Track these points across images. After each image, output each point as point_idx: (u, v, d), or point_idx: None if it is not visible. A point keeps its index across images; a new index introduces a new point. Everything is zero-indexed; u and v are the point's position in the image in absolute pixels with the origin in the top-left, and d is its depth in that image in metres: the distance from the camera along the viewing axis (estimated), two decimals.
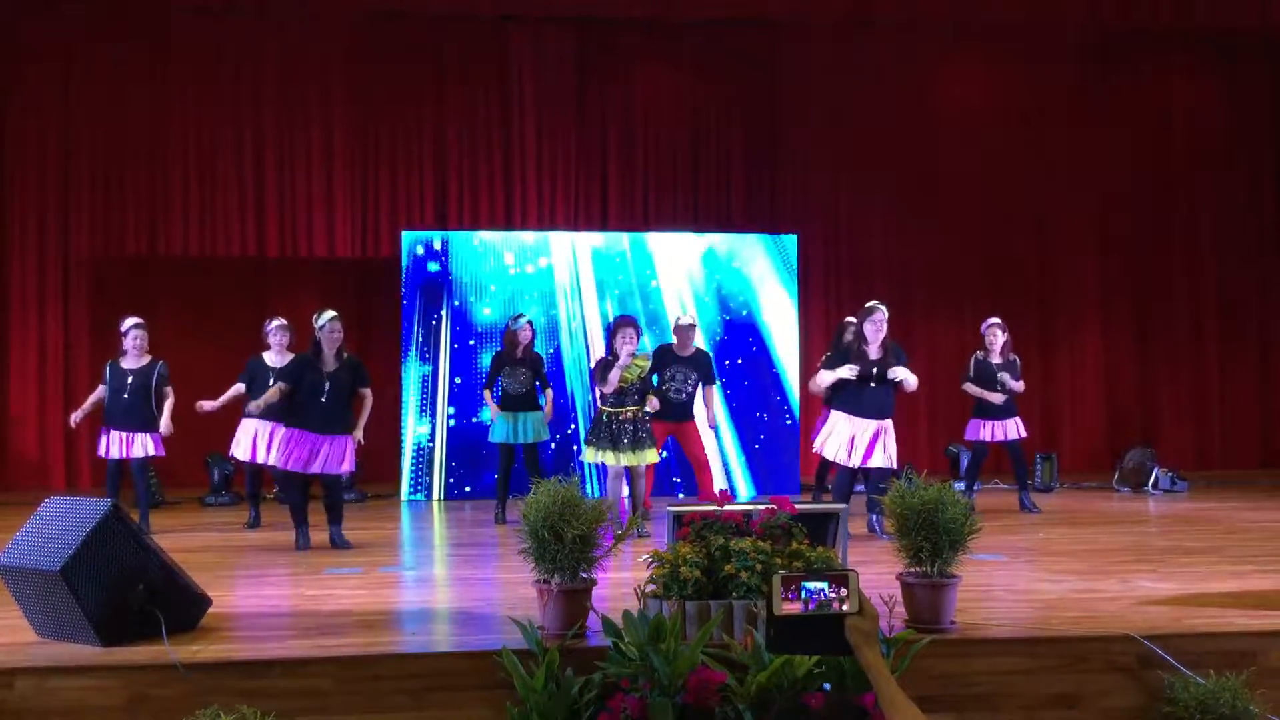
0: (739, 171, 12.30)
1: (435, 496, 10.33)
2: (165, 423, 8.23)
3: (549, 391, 8.72)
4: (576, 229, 11.49)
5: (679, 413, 8.32)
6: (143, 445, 8.21)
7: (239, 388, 8.42)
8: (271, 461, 7.84)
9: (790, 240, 10.97)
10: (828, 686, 4.04)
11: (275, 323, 8.63)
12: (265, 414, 8.01)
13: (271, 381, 7.85)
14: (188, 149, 11.67)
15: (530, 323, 8.85)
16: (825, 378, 7.67)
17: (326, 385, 7.24)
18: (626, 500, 7.77)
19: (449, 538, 8.31)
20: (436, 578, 6.45)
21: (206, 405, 8.35)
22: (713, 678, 4.00)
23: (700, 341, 8.93)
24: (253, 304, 11.50)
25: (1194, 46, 12.77)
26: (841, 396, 7.63)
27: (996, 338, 8.97)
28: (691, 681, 3.98)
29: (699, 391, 8.41)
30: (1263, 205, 13.02)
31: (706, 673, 4.02)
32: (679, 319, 8.69)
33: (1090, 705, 4.40)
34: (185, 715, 3.88)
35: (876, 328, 7.54)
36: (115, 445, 8.23)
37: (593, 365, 8.91)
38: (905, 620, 4.52)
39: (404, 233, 10.85)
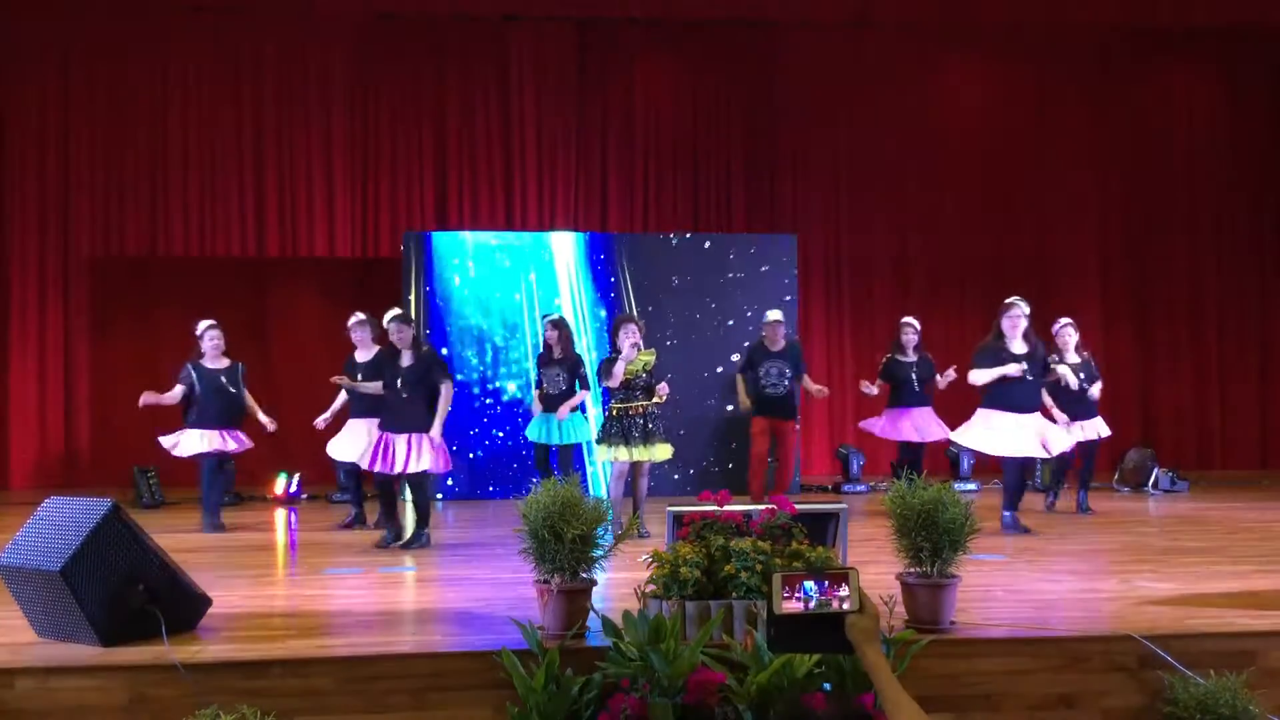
0: (739, 171, 12.31)
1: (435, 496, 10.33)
2: (266, 419, 8.38)
3: (583, 393, 8.59)
4: (576, 229, 11.49)
5: (778, 407, 8.76)
6: (236, 441, 8.33)
7: (344, 397, 8.35)
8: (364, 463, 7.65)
9: (790, 240, 10.98)
10: (828, 686, 4.04)
11: (355, 319, 8.49)
12: (369, 412, 7.92)
13: (360, 378, 7.91)
14: (188, 149, 11.68)
15: (553, 322, 8.78)
16: (981, 376, 7.66)
17: (399, 382, 7.23)
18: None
19: (449, 538, 8.31)
20: (436, 578, 6.45)
21: (320, 423, 8.40)
22: (713, 678, 4.00)
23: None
24: (253, 304, 11.53)
25: (1195, 46, 12.77)
26: (995, 393, 7.64)
27: (1070, 338, 8.85)
28: (691, 682, 3.98)
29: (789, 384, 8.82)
30: (1263, 205, 13.02)
31: (706, 673, 4.01)
32: (767, 315, 9.00)
33: (1090, 705, 4.40)
34: (185, 715, 3.88)
35: (1013, 323, 7.62)
36: (206, 442, 8.23)
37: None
38: (905, 620, 4.52)
39: (404, 233, 10.84)
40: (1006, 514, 7.69)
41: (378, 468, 7.25)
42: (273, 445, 11.04)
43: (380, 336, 8.19)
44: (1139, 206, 12.82)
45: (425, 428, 7.27)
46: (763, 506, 4.76)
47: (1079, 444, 8.71)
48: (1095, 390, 8.77)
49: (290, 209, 11.81)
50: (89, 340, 11.53)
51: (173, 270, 11.62)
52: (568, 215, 12.00)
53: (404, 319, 7.44)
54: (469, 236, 10.61)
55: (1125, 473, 10.78)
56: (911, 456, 9.31)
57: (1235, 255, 12.92)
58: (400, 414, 7.25)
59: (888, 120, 12.31)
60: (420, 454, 7.22)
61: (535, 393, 8.77)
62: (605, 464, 8.31)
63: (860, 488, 10.40)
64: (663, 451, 7.72)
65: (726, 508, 4.73)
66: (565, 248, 10.58)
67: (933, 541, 4.48)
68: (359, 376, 8.05)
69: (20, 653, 4.37)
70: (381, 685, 4.21)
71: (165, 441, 8.37)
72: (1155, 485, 10.41)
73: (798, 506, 4.80)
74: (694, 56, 12.23)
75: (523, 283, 10.47)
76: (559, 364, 8.55)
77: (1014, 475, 7.75)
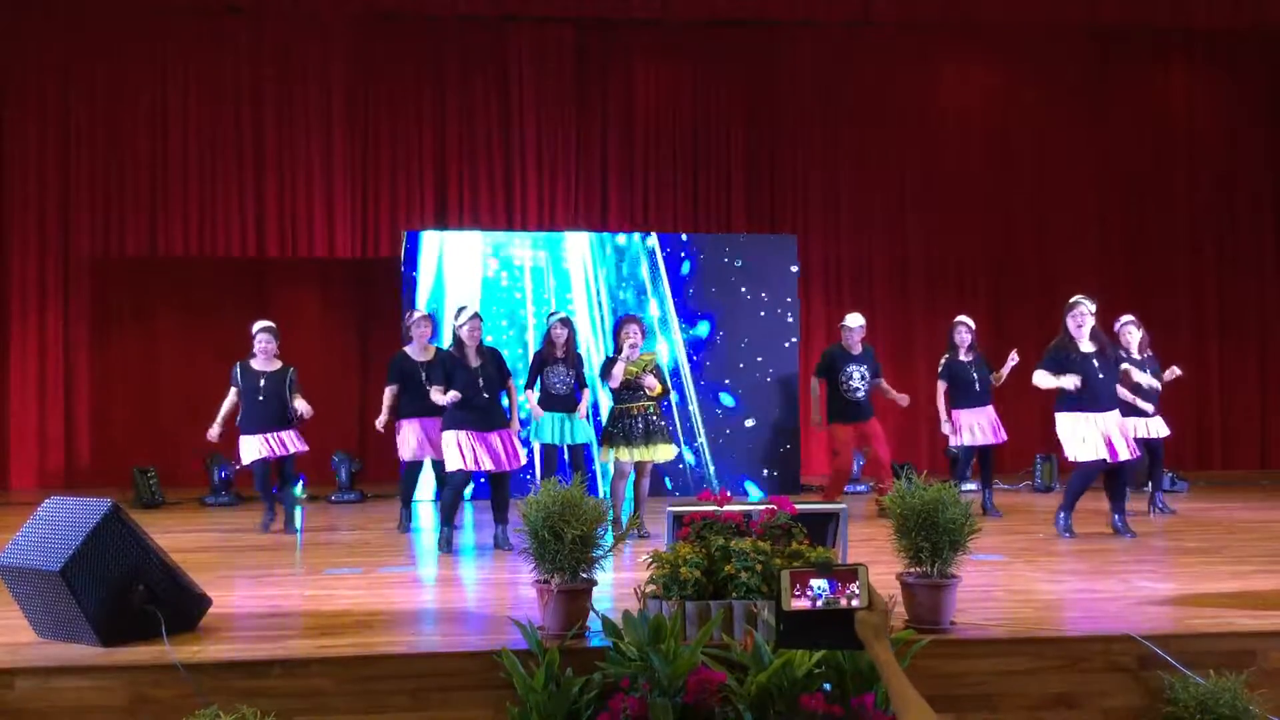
0: (739, 171, 12.30)
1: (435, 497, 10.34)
2: (304, 406, 8.12)
3: (585, 392, 8.53)
4: (576, 229, 11.48)
5: (860, 411, 8.78)
6: (291, 442, 8.17)
7: (393, 389, 8.15)
8: (452, 460, 7.30)
9: (790, 240, 10.97)
10: (828, 686, 4.04)
11: (416, 315, 8.41)
12: (426, 411, 7.86)
13: (424, 378, 7.72)
14: (188, 149, 11.67)
15: (563, 320, 8.69)
16: (1043, 381, 7.45)
17: (480, 381, 7.17)
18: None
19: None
20: (436, 578, 6.45)
21: (380, 423, 8.23)
22: (713, 678, 4.00)
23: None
24: (253, 304, 11.51)
25: (1194, 46, 12.77)
26: (1066, 396, 7.40)
27: (1132, 336, 8.77)
28: (691, 682, 3.98)
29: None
30: (1263, 205, 13.01)
31: (706, 673, 4.01)
32: (846, 319, 9.05)
33: (1090, 705, 4.40)
34: (185, 715, 3.88)
35: (1078, 321, 7.43)
36: (259, 447, 8.09)
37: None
38: (905, 620, 4.52)
39: (404, 232, 10.85)
40: (1058, 516, 7.55)
41: (486, 466, 7.09)
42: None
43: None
44: (1139, 206, 12.81)
45: (508, 424, 7.32)
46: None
47: (1139, 441, 8.43)
48: (1155, 383, 8.69)
49: (290, 209, 11.80)
50: (89, 340, 11.53)
51: (173, 271, 11.62)
52: (568, 215, 12.00)
53: (474, 314, 7.28)
54: (480, 236, 10.66)
55: None
56: (980, 458, 9.16)
57: (1235, 255, 12.91)
58: (488, 413, 7.17)
59: (888, 120, 12.30)
60: (515, 451, 7.23)
61: (530, 394, 8.50)
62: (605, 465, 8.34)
63: (860, 488, 10.39)
64: (665, 452, 7.70)
65: (727, 508, 4.73)
66: (563, 247, 10.58)
67: (933, 541, 4.48)
68: (424, 375, 7.84)
69: (20, 653, 4.37)
70: (381, 685, 4.21)
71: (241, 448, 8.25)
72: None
73: (798, 506, 4.80)
74: (694, 56, 12.23)
75: (532, 283, 10.48)
76: (565, 363, 8.47)
77: (1075, 479, 7.54)
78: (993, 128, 12.53)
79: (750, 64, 12.27)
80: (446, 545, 7.04)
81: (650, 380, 7.66)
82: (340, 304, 11.92)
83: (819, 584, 2.54)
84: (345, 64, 11.81)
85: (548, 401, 8.39)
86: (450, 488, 7.23)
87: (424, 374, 7.81)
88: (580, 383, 8.39)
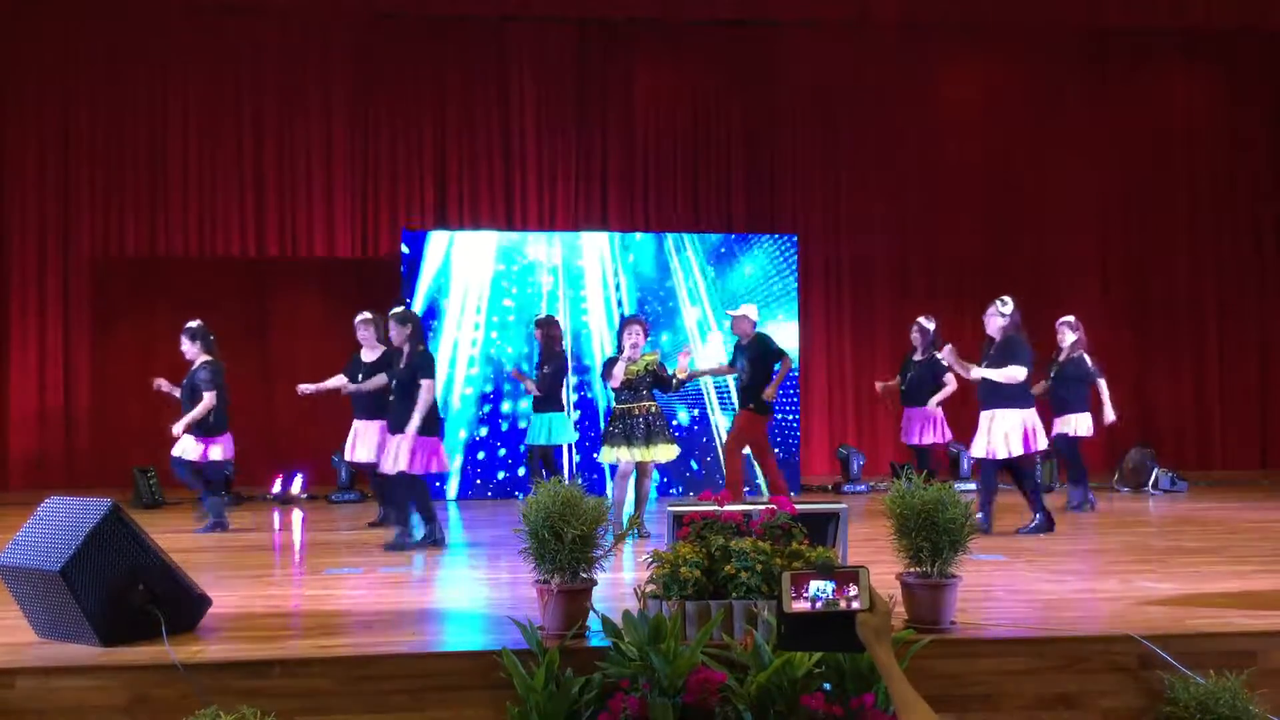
0: (739, 171, 12.30)
1: (449, 497, 10.34)
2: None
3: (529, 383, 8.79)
4: (576, 229, 11.49)
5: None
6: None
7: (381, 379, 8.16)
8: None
9: (790, 240, 10.97)
10: (828, 686, 4.04)
11: (360, 317, 8.50)
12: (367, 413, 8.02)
13: (360, 378, 8.06)
14: (188, 149, 11.68)
15: (541, 323, 8.83)
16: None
17: (394, 382, 7.33)
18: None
19: (449, 538, 8.30)
20: (437, 578, 6.45)
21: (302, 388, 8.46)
22: (713, 678, 4.00)
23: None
24: (253, 304, 11.52)
25: (1194, 46, 12.76)
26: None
27: (1065, 335, 9.00)
28: (691, 681, 3.98)
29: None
30: (1262, 205, 13.01)
31: (706, 673, 4.01)
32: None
33: (1090, 705, 4.40)
34: (185, 715, 3.88)
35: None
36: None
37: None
38: (905, 620, 4.52)
39: (404, 232, 10.85)
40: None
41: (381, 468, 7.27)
42: (272, 445, 11.08)
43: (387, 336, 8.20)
44: (1139, 206, 12.82)
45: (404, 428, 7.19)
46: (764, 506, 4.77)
47: (1057, 437, 8.87)
48: (1039, 388, 8.75)
49: (290, 209, 11.80)
50: (89, 340, 11.53)
51: (173, 270, 11.61)
52: (568, 215, 12.00)
53: (399, 318, 7.32)
54: (493, 235, 10.69)
55: (1125, 473, 10.78)
56: (917, 459, 9.32)
57: (1235, 255, 12.91)
58: (393, 414, 7.24)
59: (888, 120, 12.30)
60: (397, 455, 7.15)
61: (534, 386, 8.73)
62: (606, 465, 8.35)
63: (860, 488, 10.40)
64: (666, 452, 7.70)
65: (727, 508, 4.73)
66: (562, 247, 10.58)
67: (933, 542, 4.48)
68: (360, 376, 8.06)
69: (20, 653, 4.37)
70: (381, 685, 4.21)
71: None
72: (1155, 485, 10.41)
73: (798, 507, 4.80)
74: (694, 56, 12.23)
75: (546, 283, 10.49)
76: (552, 363, 8.59)
77: (981, 476, 7.91)
78: (992, 128, 12.53)
79: (750, 64, 12.26)
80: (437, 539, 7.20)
81: (683, 362, 7.78)
82: (340, 304, 11.88)
83: (819, 586, 2.54)
84: (345, 64, 11.81)
85: (543, 403, 8.67)
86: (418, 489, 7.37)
87: (361, 375, 8.10)
88: (556, 380, 8.64)
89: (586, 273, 10.53)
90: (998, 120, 12.56)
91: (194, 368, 8.27)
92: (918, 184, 12.42)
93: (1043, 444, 7.79)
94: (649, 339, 7.92)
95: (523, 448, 9.76)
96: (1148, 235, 12.82)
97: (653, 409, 7.67)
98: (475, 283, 10.44)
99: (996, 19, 11.98)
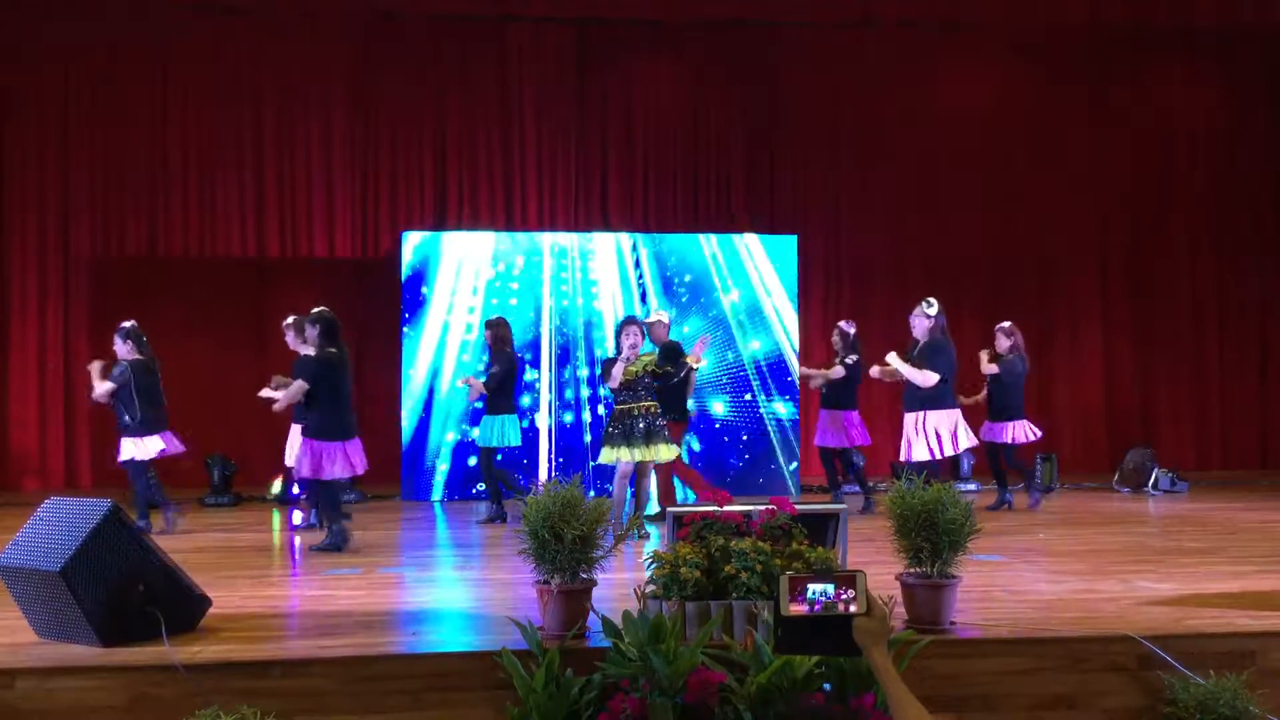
0: (739, 171, 12.30)
1: (434, 497, 10.34)
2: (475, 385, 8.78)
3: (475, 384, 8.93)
4: (576, 229, 11.48)
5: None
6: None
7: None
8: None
9: (790, 240, 10.97)
10: (828, 687, 4.04)
11: (286, 321, 8.61)
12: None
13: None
14: (188, 149, 11.67)
15: (490, 324, 8.94)
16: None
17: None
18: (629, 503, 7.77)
19: (449, 538, 8.32)
20: (436, 578, 6.45)
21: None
22: (713, 678, 4.00)
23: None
24: (253, 304, 11.52)
25: (1194, 46, 12.76)
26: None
27: (1000, 340, 9.34)
28: (691, 682, 3.98)
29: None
30: (1262, 205, 13.01)
31: (706, 673, 4.01)
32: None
33: (1090, 705, 4.40)
34: (185, 715, 3.88)
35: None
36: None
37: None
38: (905, 620, 4.52)
39: (404, 232, 10.84)
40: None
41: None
42: (272, 445, 11.06)
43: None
44: (1139, 206, 12.81)
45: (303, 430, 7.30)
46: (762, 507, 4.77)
47: (985, 444, 9.14)
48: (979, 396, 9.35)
49: (290, 209, 11.80)
50: (89, 340, 11.50)
51: (173, 270, 11.61)
52: (567, 215, 12.00)
53: (312, 319, 7.37)
54: (493, 236, 10.69)
55: (1125, 473, 10.78)
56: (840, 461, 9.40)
57: (1235, 255, 12.90)
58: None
59: (888, 120, 12.30)
60: (299, 458, 7.25)
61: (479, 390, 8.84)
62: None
63: (856, 488, 10.37)
64: (666, 452, 7.70)
65: (727, 508, 4.73)
66: (563, 248, 10.58)
67: (933, 542, 4.48)
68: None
69: (20, 653, 4.37)
70: (381, 685, 4.21)
71: None
72: (1155, 485, 10.41)
73: (798, 507, 4.80)
74: (694, 56, 12.22)
75: (529, 283, 10.48)
76: (501, 364, 8.67)
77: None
78: (992, 127, 12.52)
79: (750, 64, 12.26)
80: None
81: (698, 349, 7.88)
82: (340, 304, 11.84)
83: (817, 589, 2.54)
84: (345, 64, 11.81)
85: (493, 405, 8.81)
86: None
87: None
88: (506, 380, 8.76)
89: (599, 273, 10.52)
90: (997, 120, 12.55)
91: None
92: (918, 184, 12.41)
93: (972, 442, 8.31)
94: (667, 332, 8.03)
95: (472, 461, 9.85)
96: (1147, 235, 12.82)
97: (652, 409, 7.68)
98: (475, 283, 10.43)
99: (996, 19, 11.98)
